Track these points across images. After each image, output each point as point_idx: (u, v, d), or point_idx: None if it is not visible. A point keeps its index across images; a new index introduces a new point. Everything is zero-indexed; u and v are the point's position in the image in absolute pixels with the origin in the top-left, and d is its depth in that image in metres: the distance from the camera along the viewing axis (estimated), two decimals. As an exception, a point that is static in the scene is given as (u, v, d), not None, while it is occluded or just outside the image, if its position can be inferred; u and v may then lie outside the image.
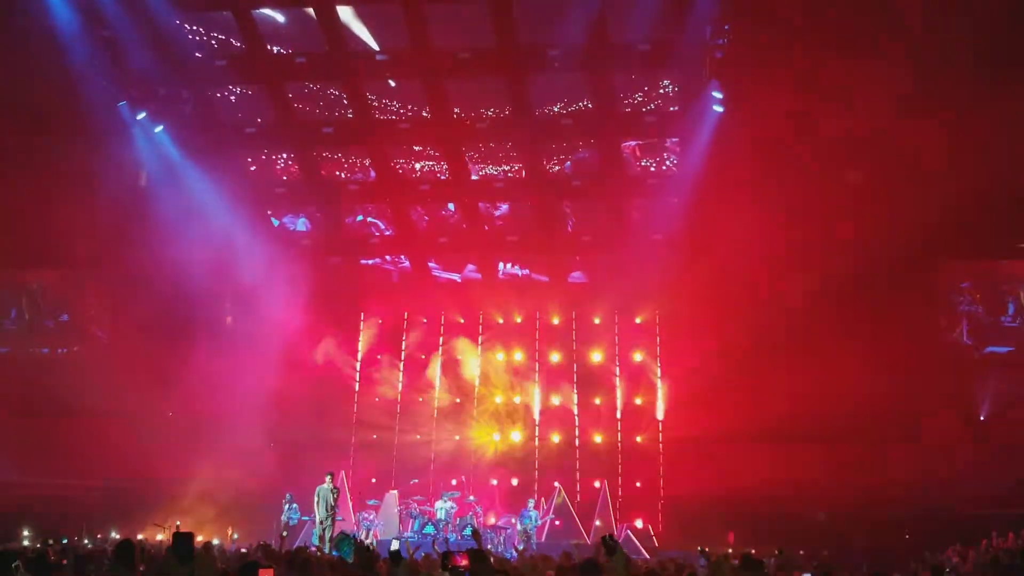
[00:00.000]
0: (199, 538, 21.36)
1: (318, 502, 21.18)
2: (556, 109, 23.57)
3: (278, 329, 24.64)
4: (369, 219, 26.79)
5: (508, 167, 25.10)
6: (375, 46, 22.56)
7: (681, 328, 24.59)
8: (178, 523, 20.22)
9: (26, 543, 20.06)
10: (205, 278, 23.81)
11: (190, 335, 24.16)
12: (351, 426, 26.22)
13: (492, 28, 21.41)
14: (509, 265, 26.84)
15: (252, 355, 23.77)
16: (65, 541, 19.55)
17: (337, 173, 26.01)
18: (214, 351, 23.64)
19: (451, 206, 26.25)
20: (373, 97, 24.03)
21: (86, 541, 20.97)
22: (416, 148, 25.23)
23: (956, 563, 19.22)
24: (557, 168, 24.97)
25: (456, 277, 27.09)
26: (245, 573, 8.03)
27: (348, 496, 23.80)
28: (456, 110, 23.68)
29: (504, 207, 26.18)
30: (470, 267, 26.92)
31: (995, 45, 19.49)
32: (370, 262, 27.27)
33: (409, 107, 24.17)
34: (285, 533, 21.54)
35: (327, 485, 21.24)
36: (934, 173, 20.50)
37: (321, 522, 20.96)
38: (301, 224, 27.00)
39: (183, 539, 7.19)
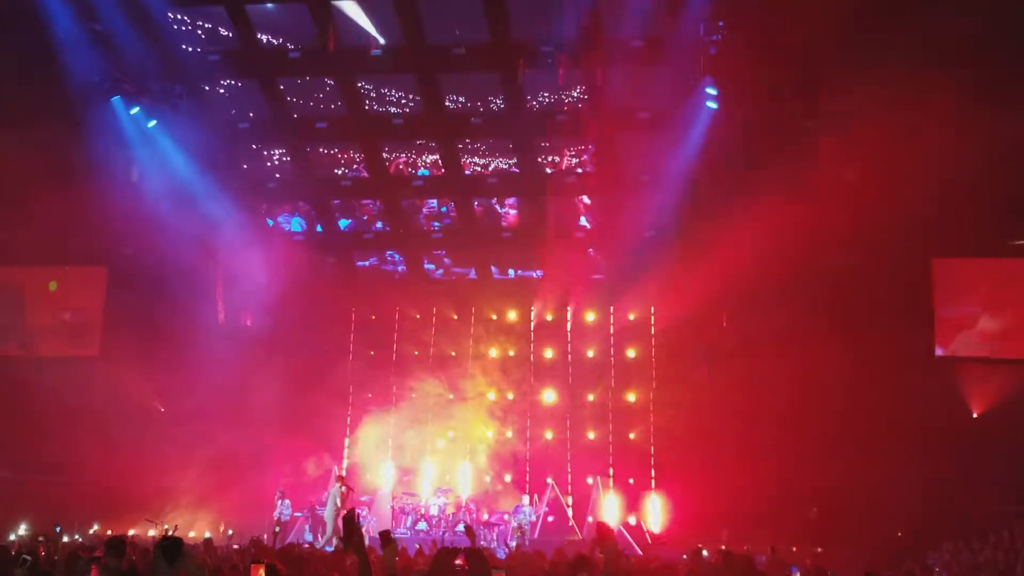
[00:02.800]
0: (191, 534, 21.47)
1: (329, 502, 21.37)
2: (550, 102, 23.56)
3: (270, 325, 24.61)
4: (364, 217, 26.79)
5: (502, 162, 25.04)
6: (379, 37, 22.37)
7: (675, 325, 24.56)
8: (170, 526, 20.18)
9: (12, 537, 19.97)
10: (197, 273, 23.76)
11: (182, 331, 24.09)
12: (344, 422, 26.15)
13: (486, 23, 21.36)
14: (510, 271, 26.85)
15: (243, 351, 23.75)
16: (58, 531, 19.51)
17: (333, 169, 25.93)
18: (205, 347, 23.59)
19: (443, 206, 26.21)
20: (371, 87, 23.92)
21: (77, 536, 20.92)
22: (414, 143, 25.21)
23: (948, 561, 19.30)
24: (553, 162, 24.92)
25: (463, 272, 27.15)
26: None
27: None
28: (450, 100, 23.64)
29: (496, 202, 26.11)
30: (463, 265, 26.94)
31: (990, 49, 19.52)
32: (366, 263, 27.23)
33: (403, 102, 24.10)
34: (277, 529, 21.58)
35: (336, 487, 21.49)
36: (928, 171, 20.49)
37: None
38: (295, 224, 26.88)
39: (170, 545, 7.11)
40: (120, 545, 9.02)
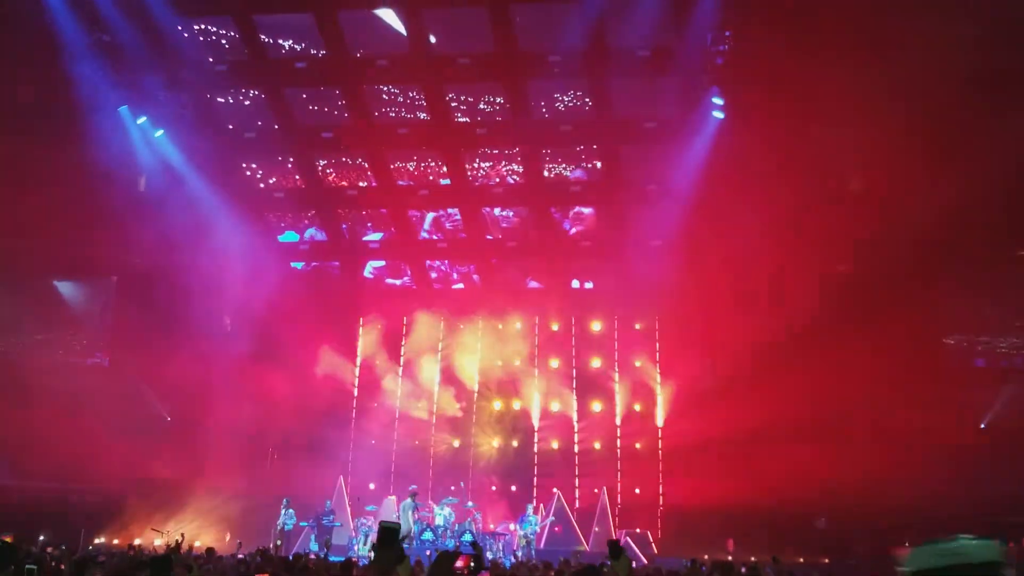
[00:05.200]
0: (197, 543, 21.46)
1: (404, 514, 21.51)
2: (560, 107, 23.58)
3: (277, 334, 24.62)
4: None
5: (508, 171, 25.04)
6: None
7: (680, 334, 24.54)
8: (176, 536, 20.18)
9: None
10: (204, 282, 23.81)
11: (189, 340, 24.11)
12: (349, 431, 26.16)
13: (492, 34, 21.41)
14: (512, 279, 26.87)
15: (250, 360, 23.78)
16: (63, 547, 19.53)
17: (336, 179, 25.96)
18: (213, 355, 23.62)
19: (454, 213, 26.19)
20: (394, 92, 23.96)
21: (90, 548, 20.95)
22: (416, 153, 25.24)
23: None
24: (558, 172, 24.89)
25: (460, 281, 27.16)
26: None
27: (347, 502, 23.86)
28: (456, 111, 23.69)
29: (502, 212, 26.08)
30: (469, 272, 26.95)
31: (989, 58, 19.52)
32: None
33: (409, 111, 24.13)
34: (279, 541, 21.59)
35: (410, 500, 21.83)
36: (935, 179, 20.46)
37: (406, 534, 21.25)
38: (306, 234, 26.91)
39: (162, 562, 7.09)
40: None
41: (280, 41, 22.92)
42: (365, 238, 26.62)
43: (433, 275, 27.06)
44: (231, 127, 24.49)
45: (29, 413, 24.03)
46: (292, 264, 26.98)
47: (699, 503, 22.63)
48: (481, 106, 23.78)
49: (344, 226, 26.50)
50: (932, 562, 3.20)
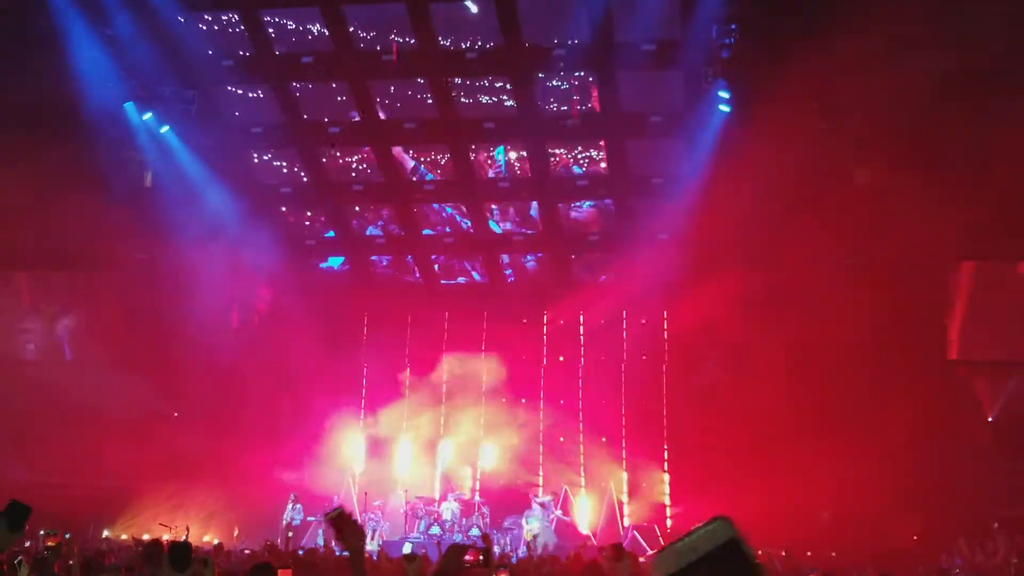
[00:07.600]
0: (206, 538, 21.52)
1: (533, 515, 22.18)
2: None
3: (282, 330, 24.65)
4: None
5: (514, 165, 25.06)
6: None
7: (688, 328, 24.50)
8: (183, 530, 20.23)
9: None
10: (211, 278, 23.83)
11: (195, 335, 24.13)
12: (358, 425, 26.15)
13: (498, 28, 21.39)
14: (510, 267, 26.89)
15: (256, 355, 23.80)
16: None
17: (343, 173, 25.94)
18: (219, 351, 23.64)
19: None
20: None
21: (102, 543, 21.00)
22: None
23: (961, 564, 19.23)
24: (562, 168, 24.88)
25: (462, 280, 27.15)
26: (260, 573, 7.87)
27: (354, 497, 23.90)
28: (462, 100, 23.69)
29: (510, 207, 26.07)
30: (475, 269, 26.96)
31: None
32: (380, 267, 27.28)
33: (416, 105, 24.11)
34: (291, 533, 21.62)
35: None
36: (953, 171, 20.46)
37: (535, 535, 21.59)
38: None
39: (180, 549, 7.10)
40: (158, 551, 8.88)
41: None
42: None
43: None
44: (238, 122, 24.43)
45: (34, 407, 24.15)
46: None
47: (706, 496, 22.62)
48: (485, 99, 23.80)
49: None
50: (675, 563, 2.96)
